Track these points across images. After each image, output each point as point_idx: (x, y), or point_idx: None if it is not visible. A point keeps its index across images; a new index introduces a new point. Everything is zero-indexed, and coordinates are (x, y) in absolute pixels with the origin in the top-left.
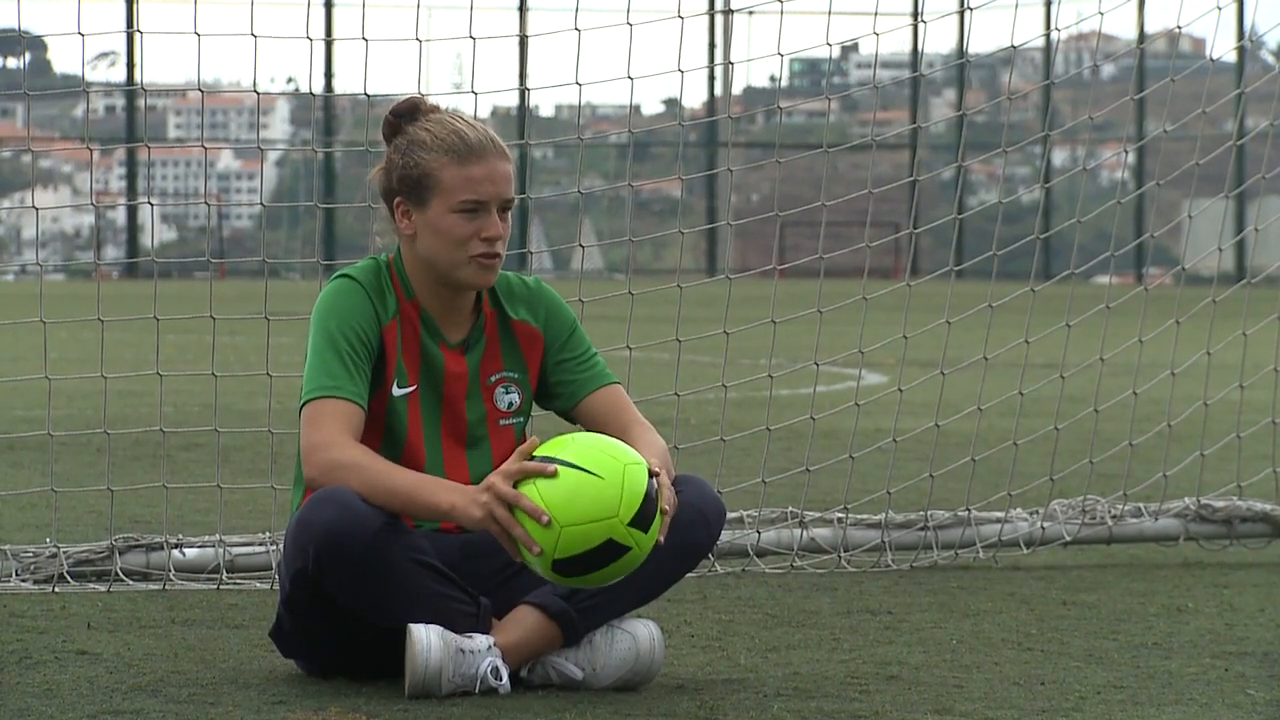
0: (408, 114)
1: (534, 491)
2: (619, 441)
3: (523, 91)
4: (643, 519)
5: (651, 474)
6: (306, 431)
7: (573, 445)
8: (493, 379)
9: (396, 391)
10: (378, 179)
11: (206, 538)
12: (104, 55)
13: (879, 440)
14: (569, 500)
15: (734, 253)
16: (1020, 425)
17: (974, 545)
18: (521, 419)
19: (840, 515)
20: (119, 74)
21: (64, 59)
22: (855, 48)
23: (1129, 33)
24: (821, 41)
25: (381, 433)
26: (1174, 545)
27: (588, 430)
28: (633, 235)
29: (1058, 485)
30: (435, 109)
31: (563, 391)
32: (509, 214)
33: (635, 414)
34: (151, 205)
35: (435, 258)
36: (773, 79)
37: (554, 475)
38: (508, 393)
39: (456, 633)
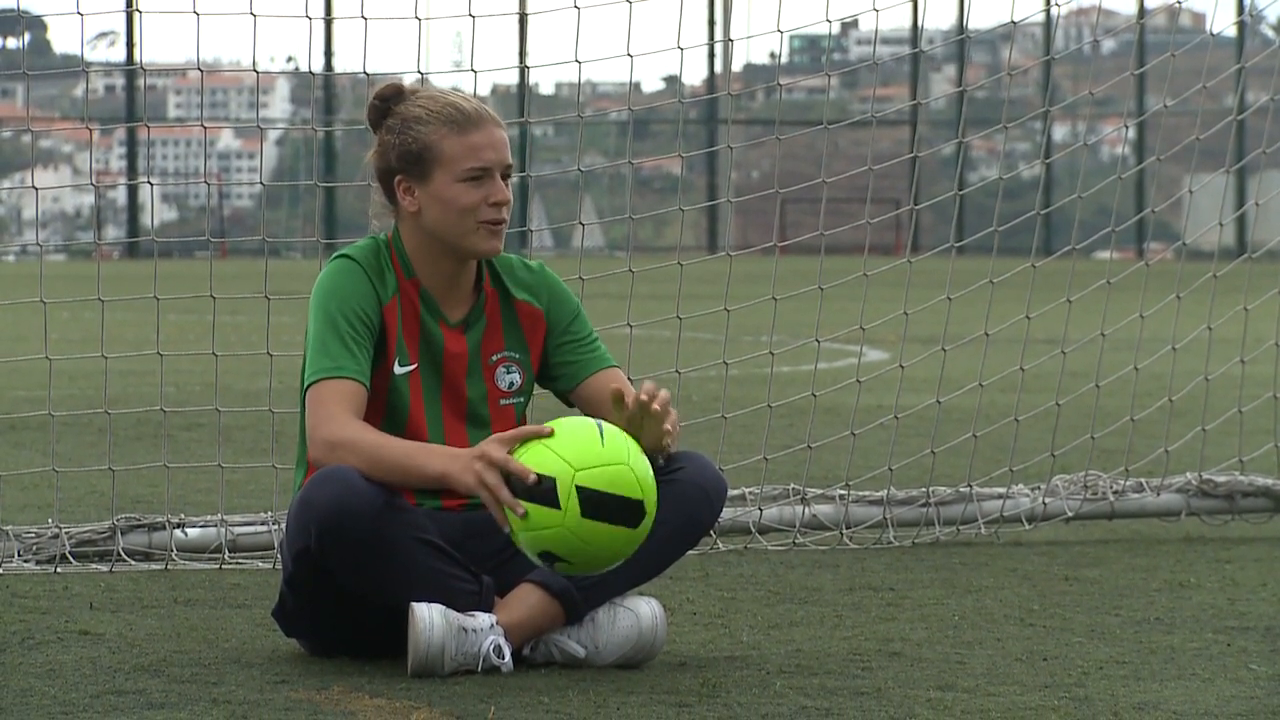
0: (393, 97)
1: (538, 450)
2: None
3: (523, 69)
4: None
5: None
6: (310, 413)
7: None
8: (494, 358)
9: (398, 370)
10: (373, 161)
11: (208, 517)
12: (104, 35)
13: (880, 416)
14: (578, 445)
15: (735, 230)
16: (1022, 401)
17: (976, 521)
18: (522, 399)
19: (842, 492)
20: (119, 53)
21: (63, 39)
22: (855, 24)
23: (1129, 7)
24: (821, 18)
25: (384, 411)
26: (1176, 520)
27: (585, 413)
28: (633, 213)
29: (1059, 461)
30: (419, 89)
31: (563, 373)
32: (509, 181)
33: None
34: (152, 185)
35: (443, 229)
36: (773, 56)
37: (550, 434)
38: (509, 372)
39: (459, 611)
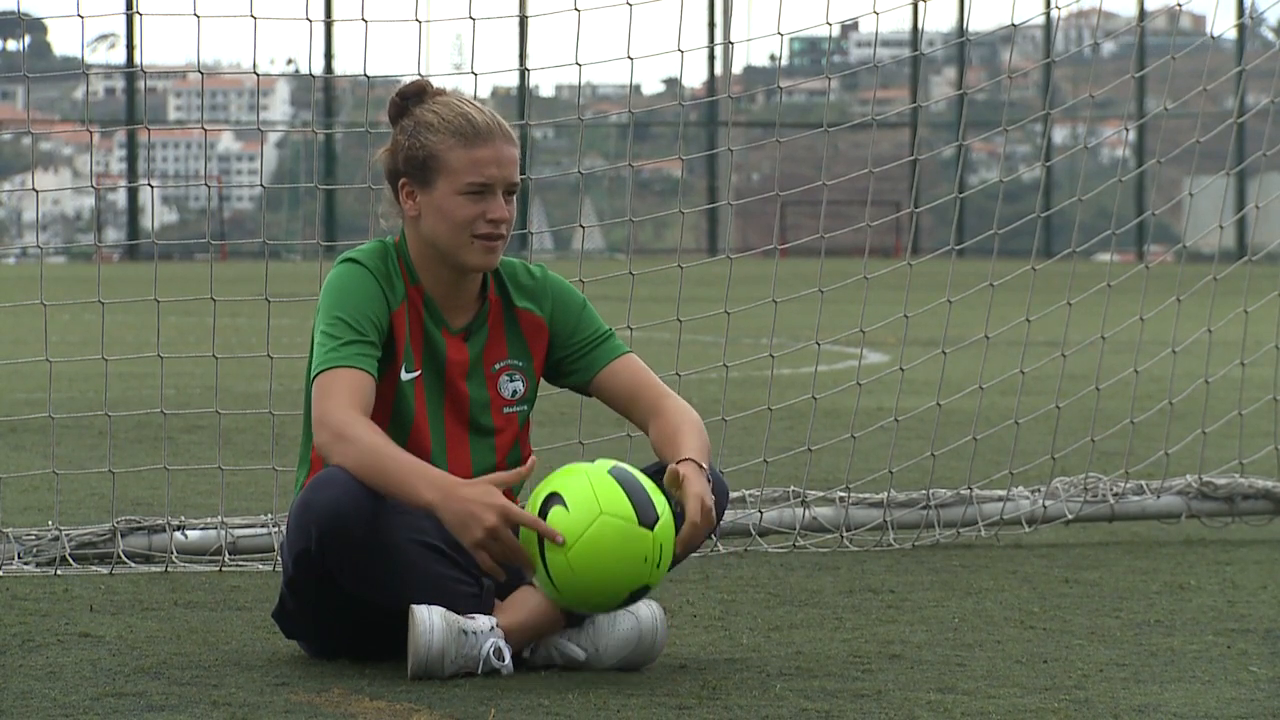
0: (415, 96)
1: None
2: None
3: (523, 72)
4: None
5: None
6: (316, 401)
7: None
8: (496, 366)
9: (404, 376)
10: (383, 160)
11: (208, 520)
12: (104, 37)
13: (881, 419)
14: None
15: (735, 232)
16: (1022, 403)
17: (976, 524)
18: (525, 407)
19: (842, 494)
20: (119, 56)
21: (64, 41)
22: (855, 26)
23: (1129, 10)
24: (821, 20)
25: (390, 416)
26: (1176, 523)
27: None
28: (633, 215)
29: (1059, 463)
30: (442, 92)
31: (576, 368)
32: (513, 198)
33: (659, 387)
34: (152, 187)
35: (439, 239)
36: (773, 58)
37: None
38: (511, 380)
39: (459, 614)
